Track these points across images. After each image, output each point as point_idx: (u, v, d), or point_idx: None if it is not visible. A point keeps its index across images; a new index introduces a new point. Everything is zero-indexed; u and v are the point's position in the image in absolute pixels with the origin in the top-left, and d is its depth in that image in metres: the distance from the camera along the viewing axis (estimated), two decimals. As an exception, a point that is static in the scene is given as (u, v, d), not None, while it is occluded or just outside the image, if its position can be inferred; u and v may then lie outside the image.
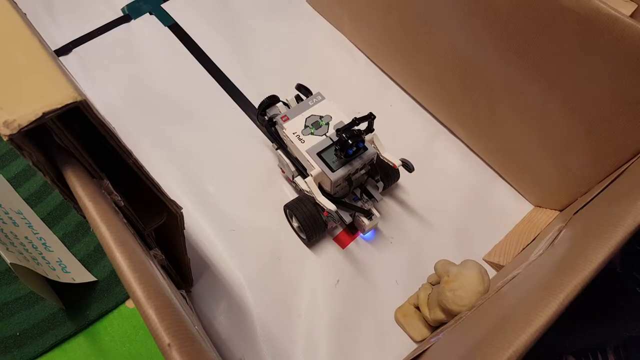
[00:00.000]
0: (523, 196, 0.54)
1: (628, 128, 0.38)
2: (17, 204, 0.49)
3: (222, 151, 0.55)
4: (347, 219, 0.47)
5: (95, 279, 0.47)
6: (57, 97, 0.18)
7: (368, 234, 0.51)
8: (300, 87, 0.50)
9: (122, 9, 0.65)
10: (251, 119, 0.57)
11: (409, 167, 0.45)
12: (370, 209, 0.47)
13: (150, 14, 0.64)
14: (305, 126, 0.45)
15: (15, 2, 0.36)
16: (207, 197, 0.52)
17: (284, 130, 0.45)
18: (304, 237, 0.48)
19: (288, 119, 0.46)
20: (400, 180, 0.53)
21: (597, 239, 0.23)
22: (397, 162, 0.44)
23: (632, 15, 0.64)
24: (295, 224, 0.49)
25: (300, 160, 0.45)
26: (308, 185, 0.43)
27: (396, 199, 0.53)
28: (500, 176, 0.55)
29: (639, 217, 0.23)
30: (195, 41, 0.63)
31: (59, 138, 0.21)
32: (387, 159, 0.45)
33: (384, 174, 0.49)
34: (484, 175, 0.55)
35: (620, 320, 0.45)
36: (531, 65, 0.41)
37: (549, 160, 0.47)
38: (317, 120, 0.45)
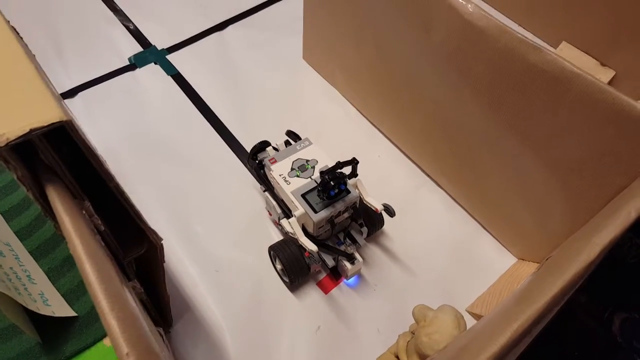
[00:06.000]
0: (506, 248, 0.54)
1: (599, 180, 0.39)
2: (7, 236, 0.50)
3: (213, 193, 0.57)
4: (330, 262, 0.47)
5: (75, 314, 0.47)
6: (45, 116, 0.20)
7: (351, 280, 0.51)
8: (290, 133, 0.52)
9: (129, 58, 0.69)
10: (243, 163, 0.59)
11: (390, 211, 0.46)
12: (352, 253, 0.48)
13: (155, 63, 0.69)
14: (292, 169, 0.47)
15: (25, 44, 0.39)
16: (193, 237, 0.53)
17: (271, 172, 0.47)
18: (287, 280, 0.49)
19: (276, 161, 0.47)
20: (385, 228, 0.54)
21: (553, 274, 0.23)
22: (379, 207, 0.46)
23: (610, 82, 0.68)
24: (279, 266, 0.49)
25: (286, 202, 0.47)
26: (291, 225, 0.44)
27: (381, 247, 0.54)
28: (484, 228, 0.56)
29: (592, 255, 0.24)
30: (196, 89, 0.66)
31: (44, 156, 0.22)
32: (369, 204, 0.46)
33: (369, 220, 0.50)
34: (468, 227, 0.56)
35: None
36: (505, 119, 0.44)
37: (528, 213, 0.48)
38: (304, 164, 0.47)
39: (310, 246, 0.43)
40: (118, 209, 0.30)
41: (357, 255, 0.48)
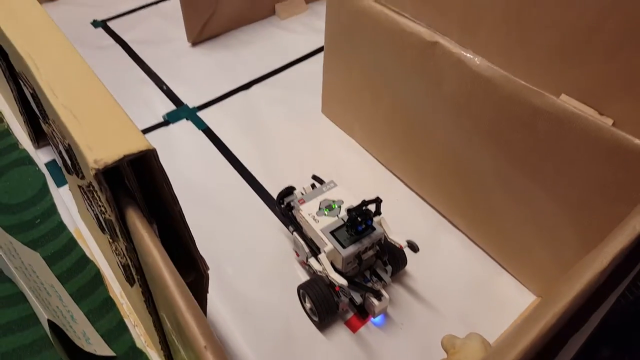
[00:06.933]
0: (525, 286, 0.56)
1: (605, 210, 0.42)
2: (50, 279, 0.53)
3: (242, 236, 0.60)
4: (358, 299, 0.49)
5: (113, 354, 0.49)
6: (135, 145, 0.24)
7: (378, 319, 0.53)
8: (316, 178, 0.56)
9: (163, 116, 0.75)
10: (270, 208, 0.63)
11: (414, 247, 0.49)
12: (379, 290, 0.50)
13: (187, 119, 0.75)
14: (320, 208, 0.50)
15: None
16: (224, 277, 0.55)
17: (300, 211, 0.50)
18: (316, 319, 0.50)
19: (304, 201, 0.51)
20: (407, 268, 0.56)
21: (568, 284, 0.26)
22: (403, 243, 0.49)
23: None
24: (308, 305, 0.51)
25: (314, 240, 0.50)
26: (321, 261, 0.47)
27: (404, 286, 0.56)
28: (502, 266, 0.58)
29: (605, 262, 0.26)
30: (224, 142, 0.71)
31: (128, 181, 0.26)
32: (393, 241, 0.49)
33: (392, 258, 0.52)
34: (486, 266, 0.58)
35: None
36: (515, 159, 0.47)
37: (543, 249, 0.51)
38: (330, 204, 0.51)
39: (341, 280, 0.45)
40: (169, 236, 0.34)
41: (383, 291, 0.50)
